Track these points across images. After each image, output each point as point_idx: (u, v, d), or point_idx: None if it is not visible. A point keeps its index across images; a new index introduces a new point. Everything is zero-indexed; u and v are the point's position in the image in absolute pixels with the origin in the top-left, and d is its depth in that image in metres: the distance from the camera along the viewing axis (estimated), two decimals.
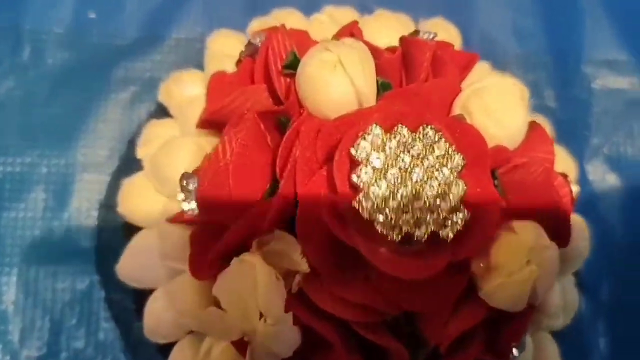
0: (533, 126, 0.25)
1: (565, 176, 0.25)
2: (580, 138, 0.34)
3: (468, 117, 0.23)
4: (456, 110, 0.23)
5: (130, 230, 0.27)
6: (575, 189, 0.25)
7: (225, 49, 0.29)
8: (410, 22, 0.30)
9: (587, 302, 0.31)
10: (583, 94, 0.35)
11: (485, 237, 0.20)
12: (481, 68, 0.27)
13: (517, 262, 0.20)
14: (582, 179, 0.34)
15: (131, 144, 0.30)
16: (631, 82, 0.35)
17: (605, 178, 0.34)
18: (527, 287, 0.20)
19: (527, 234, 0.20)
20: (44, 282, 0.29)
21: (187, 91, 0.28)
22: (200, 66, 0.31)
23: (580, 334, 0.31)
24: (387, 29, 0.27)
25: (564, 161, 0.28)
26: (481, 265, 0.20)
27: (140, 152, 0.27)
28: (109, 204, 0.30)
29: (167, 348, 0.26)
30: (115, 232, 0.29)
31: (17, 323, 0.29)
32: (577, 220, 0.27)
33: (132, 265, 0.26)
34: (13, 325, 0.29)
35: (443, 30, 0.29)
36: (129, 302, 0.29)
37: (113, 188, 0.30)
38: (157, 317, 0.26)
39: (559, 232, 0.23)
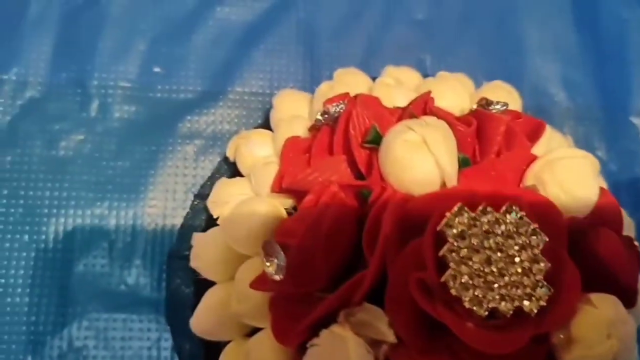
0: (603, 194, 0.25)
1: (631, 240, 0.25)
2: (631, 190, 0.35)
3: (541, 187, 0.23)
4: (529, 180, 0.24)
5: (200, 282, 0.28)
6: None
7: (292, 109, 0.29)
8: (470, 82, 0.31)
9: None
10: (633, 145, 0.36)
11: (567, 311, 0.20)
12: (550, 135, 0.27)
13: (598, 336, 0.20)
14: (636, 234, 0.34)
15: (197, 196, 0.31)
16: None
17: None
18: None
19: (607, 309, 0.21)
20: (113, 332, 0.30)
21: (257, 151, 0.29)
22: (263, 120, 0.32)
23: None
24: (451, 92, 0.28)
25: (626, 223, 0.28)
26: (562, 337, 0.21)
27: (215, 211, 0.28)
28: (177, 255, 0.31)
29: None
30: (184, 283, 0.30)
31: None
32: None
33: (206, 320, 0.27)
34: None
35: (507, 94, 0.30)
36: (198, 351, 0.29)
37: (180, 239, 0.31)
38: None
39: (627, 295, 0.23)
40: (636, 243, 0.26)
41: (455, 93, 0.28)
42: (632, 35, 0.38)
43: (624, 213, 0.29)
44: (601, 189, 0.26)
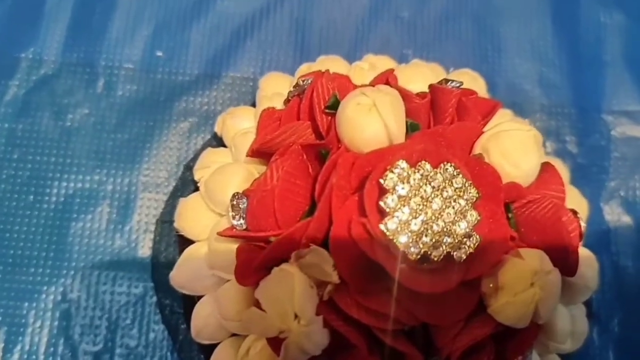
0: (546, 166, 0.28)
1: (575, 212, 0.27)
2: (598, 181, 0.37)
3: (486, 157, 0.26)
4: (476, 150, 0.26)
5: (183, 243, 0.30)
6: (583, 224, 0.27)
7: (275, 88, 0.32)
8: (442, 71, 0.33)
9: (599, 333, 0.33)
10: (602, 141, 0.38)
11: (494, 260, 0.23)
12: (503, 114, 0.29)
13: (522, 284, 0.22)
14: (599, 219, 0.36)
15: (187, 168, 0.34)
16: None
17: (620, 219, 0.36)
18: (530, 307, 0.22)
19: (532, 260, 0.23)
20: (104, 286, 0.33)
21: (240, 124, 0.32)
22: (252, 103, 0.35)
23: None
24: (420, 77, 0.31)
25: (576, 200, 0.30)
26: (490, 285, 0.23)
27: (197, 175, 0.31)
28: (165, 219, 0.33)
29: (209, 349, 0.29)
30: (170, 245, 0.33)
31: (79, 320, 0.32)
32: (586, 254, 0.30)
33: (184, 274, 0.30)
34: (74, 322, 0.32)
35: (471, 79, 0.32)
36: (178, 307, 0.32)
37: (169, 206, 0.33)
38: (203, 321, 0.29)
39: (565, 262, 0.25)
40: (581, 217, 0.28)
41: (424, 78, 0.31)
42: (608, 38, 0.40)
43: (577, 192, 0.31)
44: (546, 163, 0.28)
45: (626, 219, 0.36)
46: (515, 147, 0.25)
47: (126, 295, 0.33)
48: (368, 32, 0.39)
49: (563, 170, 0.32)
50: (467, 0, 0.40)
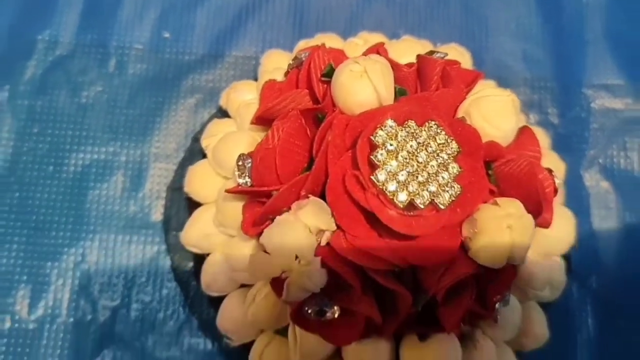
0: (524, 130, 0.30)
1: (550, 170, 0.30)
2: (578, 150, 0.40)
3: (469, 119, 0.28)
4: (460, 114, 0.29)
5: (192, 207, 0.33)
6: (558, 181, 0.30)
7: (276, 64, 0.35)
8: (431, 46, 0.36)
9: (578, 288, 0.36)
10: (583, 113, 0.40)
11: (473, 207, 0.25)
12: (487, 85, 0.32)
13: (498, 227, 0.25)
14: (579, 185, 0.39)
15: (195, 140, 0.37)
16: (625, 103, 0.40)
17: (599, 184, 0.39)
18: (505, 248, 0.25)
19: (507, 206, 0.25)
20: (120, 248, 0.36)
21: (243, 97, 0.34)
22: (254, 79, 0.37)
23: (570, 314, 0.36)
24: (410, 51, 0.33)
25: (554, 163, 0.33)
26: (471, 230, 0.25)
27: (204, 143, 0.33)
28: (175, 186, 0.36)
29: (218, 302, 0.32)
30: (180, 210, 0.35)
31: (98, 279, 0.35)
32: (563, 210, 0.33)
33: (193, 233, 0.32)
34: (94, 281, 0.35)
35: (457, 53, 0.35)
36: (188, 266, 0.35)
37: (179, 174, 0.36)
38: (212, 275, 0.32)
39: (539, 213, 0.28)
40: (556, 175, 0.30)
41: (414, 52, 0.33)
42: (590, 17, 0.43)
43: (555, 156, 0.34)
44: (525, 127, 0.30)
45: (604, 185, 0.39)
46: (495, 111, 0.28)
47: (141, 256, 0.36)
48: (362, 13, 0.42)
49: (543, 137, 0.35)
50: None
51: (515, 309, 0.30)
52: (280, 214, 0.26)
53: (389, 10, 0.42)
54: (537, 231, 0.31)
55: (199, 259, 0.33)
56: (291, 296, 0.25)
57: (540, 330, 0.32)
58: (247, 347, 0.31)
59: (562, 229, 0.32)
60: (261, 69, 0.35)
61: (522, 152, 0.29)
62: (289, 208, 0.26)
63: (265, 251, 0.25)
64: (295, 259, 0.25)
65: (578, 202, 0.38)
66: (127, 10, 0.40)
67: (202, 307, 0.34)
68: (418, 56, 0.29)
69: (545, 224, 0.29)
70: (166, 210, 0.36)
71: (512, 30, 0.42)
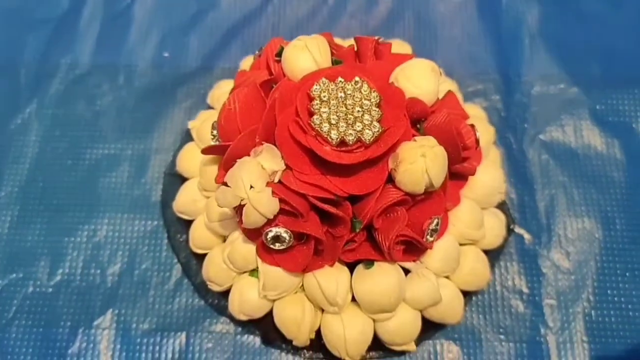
0: (448, 94, 0.36)
1: (472, 126, 0.36)
2: (521, 129, 0.45)
3: (396, 83, 0.34)
4: (390, 81, 0.35)
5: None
6: (478, 133, 0.36)
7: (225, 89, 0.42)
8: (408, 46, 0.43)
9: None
10: (524, 99, 0.46)
11: (393, 142, 0.31)
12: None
13: (414, 155, 0.31)
14: (523, 159, 0.44)
15: (188, 134, 0.44)
16: (559, 89, 0.46)
17: (540, 157, 0.44)
18: (422, 173, 0.31)
19: (422, 140, 0.31)
20: (125, 224, 0.42)
21: (223, 90, 0.42)
22: None
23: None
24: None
25: (483, 125, 0.39)
26: (394, 162, 0.31)
27: (190, 125, 0.40)
28: (171, 172, 0.43)
29: (203, 259, 0.38)
30: (175, 192, 0.42)
31: (107, 250, 0.41)
32: (496, 166, 0.38)
33: (183, 201, 0.39)
34: (103, 251, 0.41)
35: (398, 45, 0.42)
36: (181, 236, 0.41)
37: (173, 162, 0.43)
38: (198, 235, 0.38)
39: (459, 157, 0.34)
40: (477, 129, 0.36)
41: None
42: (526, 18, 0.49)
43: (486, 122, 0.40)
44: (449, 91, 0.37)
45: (545, 157, 0.44)
46: (416, 73, 0.34)
47: (142, 230, 0.42)
48: (329, 29, 0.49)
49: (479, 111, 0.42)
50: (409, 2, 0.50)
51: (453, 245, 0.35)
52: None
53: (350, 26, 0.49)
54: (471, 180, 0.37)
55: (189, 229, 0.39)
56: (249, 220, 0.31)
57: (481, 270, 0.37)
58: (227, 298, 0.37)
59: (493, 179, 0.37)
60: (239, 69, 0.43)
61: (444, 109, 0.35)
62: (249, 155, 0.32)
63: (227, 185, 0.31)
64: (250, 189, 0.31)
65: (523, 173, 0.44)
66: (133, 37, 0.48)
67: (192, 268, 0.40)
68: (356, 38, 0.36)
69: (471, 171, 0.35)
70: (163, 192, 0.43)
71: (458, 36, 0.49)
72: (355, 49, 0.36)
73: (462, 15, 0.50)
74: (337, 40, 0.43)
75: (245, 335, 0.39)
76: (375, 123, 0.31)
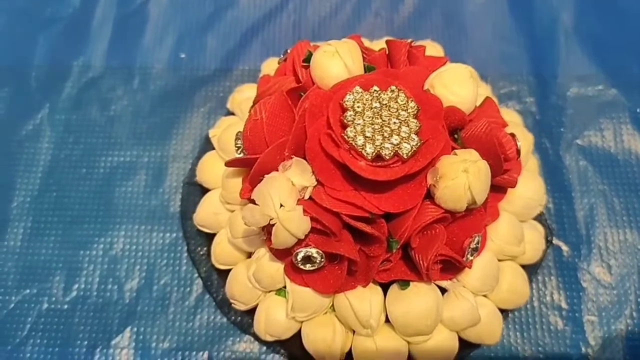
0: (487, 101, 0.34)
1: (513, 135, 0.33)
2: (557, 134, 0.43)
3: (432, 90, 0.32)
4: (425, 87, 0.33)
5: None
6: (519, 144, 0.33)
7: (273, 68, 0.40)
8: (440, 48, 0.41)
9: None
10: (559, 101, 0.44)
11: (432, 156, 0.29)
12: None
13: (455, 171, 0.28)
14: (560, 165, 0.42)
15: (207, 141, 0.42)
16: (597, 90, 0.44)
17: (578, 163, 0.42)
18: (464, 190, 0.28)
19: (463, 154, 0.29)
20: (143, 237, 0.40)
21: (244, 95, 0.39)
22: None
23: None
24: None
25: (521, 133, 0.36)
26: (434, 178, 0.29)
27: (211, 134, 0.38)
28: (190, 182, 0.41)
29: (225, 275, 0.36)
30: (195, 203, 0.40)
31: (124, 264, 0.40)
32: (536, 177, 0.36)
33: (204, 214, 0.37)
34: (120, 265, 0.39)
35: (430, 47, 0.39)
36: (202, 249, 0.39)
37: (193, 171, 0.41)
38: (220, 250, 0.36)
39: (501, 168, 0.31)
40: (518, 139, 0.34)
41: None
42: (561, 16, 0.47)
43: (523, 129, 0.37)
44: (487, 97, 0.34)
45: (582, 163, 0.42)
46: (454, 79, 0.32)
47: (161, 243, 0.40)
48: (353, 28, 0.47)
49: (515, 115, 0.39)
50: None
51: (492, 262, 0.33)
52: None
53: (376, 24, 0.47)
54: (510, 192, 0.35)
55: (209, 241, 0.37)
56: (279, 241, 0.29)
57: (520, 287, 0.35)
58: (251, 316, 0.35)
59: (533, 191, 0.35)
60: (261, 74, 0.40)
61: (485, 118, 0.33)
62: (277, 170, 0.30)
63: (255, 203, 0.29)
64: (280, 207, 0.29)
65: (560, 180, 0.41)
66: (148, 37, 0.46)
67: (213, 283, 0.38)
68: (387, 41, 0.34)
69: (512, 183, 0.33)
70: (182, 203, 0.41)
71: (489, 34, 0.46)
72: (387, 52, 0.34)
73: (492, 12, 0.47)
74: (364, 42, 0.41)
75: (271, 355, 0.37)
76: (413, 136, 0.29)
